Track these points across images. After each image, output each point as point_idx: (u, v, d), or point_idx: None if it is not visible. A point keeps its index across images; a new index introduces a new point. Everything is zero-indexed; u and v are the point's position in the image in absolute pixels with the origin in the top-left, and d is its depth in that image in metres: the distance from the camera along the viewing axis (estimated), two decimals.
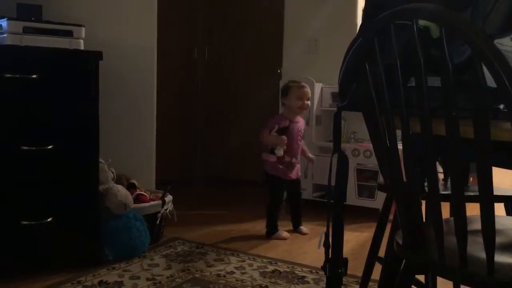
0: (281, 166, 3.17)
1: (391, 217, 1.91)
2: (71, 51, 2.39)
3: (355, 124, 3.85)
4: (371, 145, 3.40)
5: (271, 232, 3.14)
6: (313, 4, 4.19)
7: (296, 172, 3.25)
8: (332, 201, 1.45)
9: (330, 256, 1.43)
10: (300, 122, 3.26)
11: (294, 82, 3.24)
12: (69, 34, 2.39)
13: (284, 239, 3.10)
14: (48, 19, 2.48)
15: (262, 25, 4.82)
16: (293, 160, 3.19)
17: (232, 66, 4.98)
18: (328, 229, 1.43)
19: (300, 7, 4.26)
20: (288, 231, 3.19)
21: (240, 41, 4.97)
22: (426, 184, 1.05)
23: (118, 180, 2.85)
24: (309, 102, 3.22)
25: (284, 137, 3.13)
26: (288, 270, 2.53)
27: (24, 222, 2.28)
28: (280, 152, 3.12)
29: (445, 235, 1.00)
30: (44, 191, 2.34)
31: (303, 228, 3.25)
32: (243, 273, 2.46)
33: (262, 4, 4.84)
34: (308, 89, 3.20)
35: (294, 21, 4.30)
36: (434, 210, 1.00)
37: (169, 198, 2.98)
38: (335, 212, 1.43)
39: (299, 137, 3.23)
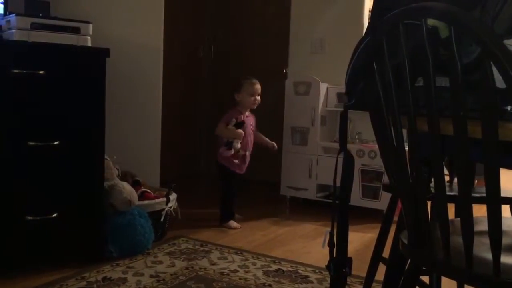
0: (236, 161, 3.31)
1: (395, 218, 1.91)
2: (78, 48, 2.40)
3: (360, 125, 3.84)
4: (376, 146, 3.36)
5: (226, 219, 3.29)
6: (320, 4, 4.19)
7: (246, 167, 3.40)
8: (337, 201, 1.45)
9: (334, 255, 1.42)
10: (250, 117, 3.41)
11: (246, 78, 3.38)
12: (76, 30, 2.39)
13: (235, 228, 3.25)
14: (55, 16, 2.49)
15: (268, 24, 4.81)
16: (247, 153, 3.35)
17: (237, 65, 4.97)
18: (332, 228, 1.43)
19: (307, 7, 4.25)
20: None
21: (246, 40, 4.97)
22: (432, 184, 1.05)
23: (123, 177, 2.86)
24: (259, 98, 3.35)
25: (241, 130, 3.29)
26: (291, 269, 2.53)
27: (29, 218, 2.28)
28: (237, 145, 3.28)
29: (450, 235, 1.00)
30: (49, 187, 2.35)
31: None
32: (246, 272, 2.47)
33: (268, 3, 4.84)
34: (258, 86, 3.36)
35: (300, 20, 4.29)
36: (441, 209, 0.99)
37: (173, 196, 2.99)
38: (340, 210, 1.43)
39: (251, 131, 3.38)
